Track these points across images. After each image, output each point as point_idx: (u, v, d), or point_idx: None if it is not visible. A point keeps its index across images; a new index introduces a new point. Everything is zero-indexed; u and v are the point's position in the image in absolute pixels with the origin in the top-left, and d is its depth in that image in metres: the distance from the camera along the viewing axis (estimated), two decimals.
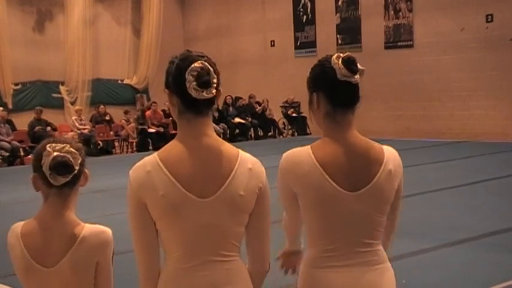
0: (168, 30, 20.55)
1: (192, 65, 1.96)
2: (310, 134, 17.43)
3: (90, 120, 17.66)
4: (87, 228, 2.16)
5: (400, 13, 16.39)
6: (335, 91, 2.17)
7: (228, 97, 18.62)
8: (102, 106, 18.22)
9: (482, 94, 15.11)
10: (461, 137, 15.25)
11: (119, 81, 20.20)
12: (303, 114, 17.67)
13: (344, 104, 2.19)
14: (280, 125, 18.91)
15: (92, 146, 16.35)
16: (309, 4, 18.64)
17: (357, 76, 2.17)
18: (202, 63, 1.97)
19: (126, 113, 17.84)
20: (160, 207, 1.96)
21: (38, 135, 15.45)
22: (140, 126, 16.88)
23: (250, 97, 18.61)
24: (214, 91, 1.98)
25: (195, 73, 1.95)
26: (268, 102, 18.31)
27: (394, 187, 2.20)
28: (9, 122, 16.39)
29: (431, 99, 15.94)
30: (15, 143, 15.44)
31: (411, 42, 15.90)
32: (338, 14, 17.91)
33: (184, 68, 1.97)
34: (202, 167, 1.97)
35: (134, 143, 17.16)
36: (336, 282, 2.15)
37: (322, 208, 2.15)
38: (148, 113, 17.35)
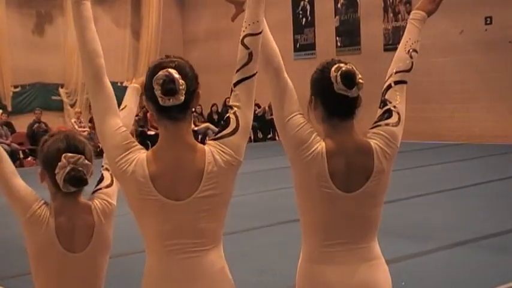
0: (167, 32, 20.55)
1: (158, 74, 2.01)
2: None
3: (90, 122, 17.67)
4: (97, 212, 2.26)
5: (399, 15, 16.40)
6: (331, 102, 2.24)
7: (228, 99, 18.59)
8: None
9: (482, 96, 15.12)
10: (461, 139, 15.25)
11: (118, 84, 20.14)
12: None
13: (339, 114, 2.25)
14: None
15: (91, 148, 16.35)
16: (308, 7, 18.65)
17: (355, 91, 2.21)
18: (167, 71, 2.01)
19: None
20: (133, 203, 2.09)
21: (36, 133, 15.44)
22: (140, 129, 16.89)
23: None
24: (182, 97, 2.01)
25: (160, 81, 2.00)
26: (268, 105, 18.35)
27: (388, 177, 2.31)
28: (9, 125, 16.40)
29: (431, 101, 15.95)
30: (14, 145, 15.44)
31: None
32: (337, 17, 17.91)
33: (152, 77, 2.03)
34: (178, 173, 2.06)
35: None
36: (332, 277, 2.24)
37: (319, 206, 2.25)
38: (149, 114, 17.36)
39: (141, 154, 2.08)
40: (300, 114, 2.27)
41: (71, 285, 2.23)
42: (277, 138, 18.93)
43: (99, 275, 2.29)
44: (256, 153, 13.24)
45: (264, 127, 18.60)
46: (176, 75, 2.01)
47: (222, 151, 2.09)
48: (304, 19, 18.77)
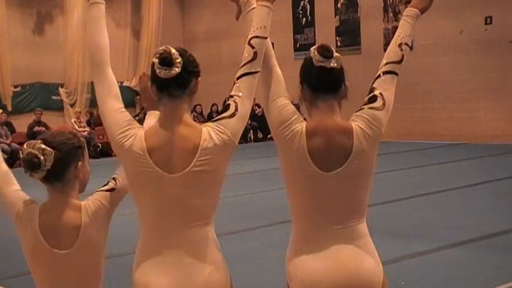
0: (167, 32, 20.54)
1: (158, 49, 2.23)
2: None
3: (87, 123, 17.70)
4: (87, 211, 2.26)
5: (399, 15, 16.39)
6: (313, 77, 2.38)
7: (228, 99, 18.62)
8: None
9: (482, 96, 15.12)
10: (461, 138, 15.25)
11: (119, 83, 19.96)
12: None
13: (322, 88, 2.38)
14: None
15: (91, 148, 16.36)
16: (308, 6, 18.65)
17: (333, 62, 2.35)
18: (166, 46, 2.21)
19: None
20: (130, 175, 2.23)
21: (36, 135, 15.45)
22: None
23: None
24: (177, 69, 2.17)
25: (158, 55, 2.20)
26: None
27: (371, 159, 2.38)
28: (9, 124, 16.39)
29: (431, 101, 15.96)
30: (14, 145, 15.43)
31: (410, 45, 15.86)
32: (337, 17, 17.92)
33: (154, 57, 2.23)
34: (174, 147, 2.18)
35: None
36: (317, 264, 2.31)
37: (301, 186, 2.35)
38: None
39: (140, 130, 2.24)
40: (285, 97, 2.42)
41: (63, 283, 2.25)
42: None
43: (92, 277, 2.30)
44: (256, 153, 13.25)
45: (264, 127, 18.60)
46: (173, 50, 2.19)
47: (219, 130, 2.22)
48: (304, 19, 18.77)
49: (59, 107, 19.23)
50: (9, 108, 17.81)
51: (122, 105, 2.30)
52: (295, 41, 18.83)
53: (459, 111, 15.54)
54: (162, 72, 2.17)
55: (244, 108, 2.28)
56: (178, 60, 2.18)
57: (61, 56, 18.96)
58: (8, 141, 15.35)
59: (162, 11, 20.43)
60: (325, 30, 18.04)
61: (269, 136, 18.71)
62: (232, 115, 2.24)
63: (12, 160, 15.13)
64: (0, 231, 7.08)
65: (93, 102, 19.22)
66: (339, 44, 17.75)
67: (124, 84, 20.34)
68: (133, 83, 20.44)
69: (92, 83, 2.31)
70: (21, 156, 2.25)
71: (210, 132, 2.20)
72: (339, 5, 17.82)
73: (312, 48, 2.39)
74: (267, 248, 6.36)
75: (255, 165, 11.61)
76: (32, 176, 2.23)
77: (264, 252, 6.22)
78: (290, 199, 2.43)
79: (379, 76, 2.50)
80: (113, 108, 2.27)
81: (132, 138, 2.20)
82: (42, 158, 2.20)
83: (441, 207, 7.95)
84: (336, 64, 2.36)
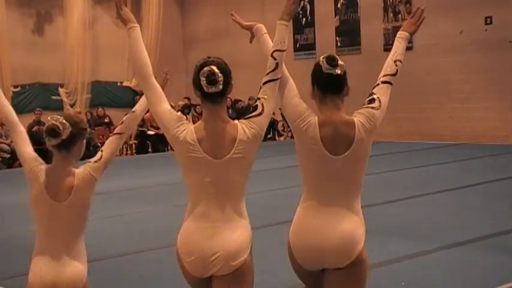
0: (167, 32, 20.54)
1: (203, 70, 2.81)
2: None
3: (87, 123, 17.66)
4: (78, 177, 2.95)
5: (399, 16, 16.40)
6: (322, 81, 2.97)
7: (227, 99, 18.60)
8: (100, 109, 18.22)
9: (482, 96, 15.12)
10: (461, 139, 15.25)
11: (118, 84, 20.18)
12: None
13: (329, 90, 2.96)
14: (280, 128, 18.91)
15: (91, 148, 16.34)
16: (308, 6, 18.64)
17: (338, 69, 2.93)
18: (210, 67, 2.81)
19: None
20: (183, 159, 2.85)
21: (36, 135, 15.44)
22: (140, 128, 16.88)
23: (249, 99, 18.63)
24: (220, 86, 2.81)
25: (205, 75, 2.81)
26: None
27: (368, 147, 2.96)
28: None
29: (431, 101, 15.96)
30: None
31: (410, 45, 15.89)
32: (337, 17, 17.91)
33: (199, 72, 2.83)
34: (217, 139, 2.83)
35: (133, 145, 17.24)
36: (313, 223, 2.91)
37: (314, 166, 2.93)
38: (147, 115, 17.32)
39: (189, 126, 2.87)
40: (298, 97, 3.00)
41: (57, 226, 2.93)
42: (277, 138, 18.98)
43: (78, 225, 2.99)
44: (255, 153, 13.25)
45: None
46: (216, 70, 2.80)
47: (250, 126, 2.88)
48: (304, 19, 18.76)
49: (58, 107, 19.20)
50: None
51: (169, 106, 2.92)
52: (295, 41, 18.81)
53: (459, 111, 15.54)
54: (210, 90, 2.79)
55: (269, 108, 2.93)
56: (221, 79, 2.80)
57: (61, 56, 18.96)
58: (7, 141, 15.34)
59: (162, 11, 20.42)
60: (325, 31, 18.04)
61: (269, 136, 18.72)
62: (260, 114, 2.90)
63: (12, 160, 15.17)
64: (0, 232, 7.09)
65: (92, 103, 19.24)
66: (338, 44, 17.75)
67: (124, 84, 20.34)
68: (133, 83, 20.45)
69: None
70: (45, 125, 2.90)
71: (244, 128, 2.86)
72: (338, 5, 17.82)
73: (321, 57, 2.98)
74: (267, 248, 6.36)
75: (255, 165, 11.60)
76: (49, 141, 2.89)
77: (264, 252, 6.21)
78: (304, 178, 2.99)
79: (378, 84, 3.08)
80: (166, 110, 2.89)
81: (185, 132, 2.83)
82: (62, 129, 2.88)
83: (441, 208, 7.95)
84: (340, 71, 2.93)
